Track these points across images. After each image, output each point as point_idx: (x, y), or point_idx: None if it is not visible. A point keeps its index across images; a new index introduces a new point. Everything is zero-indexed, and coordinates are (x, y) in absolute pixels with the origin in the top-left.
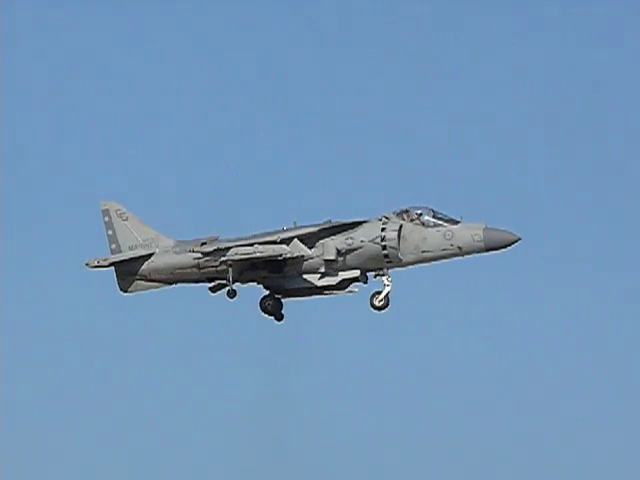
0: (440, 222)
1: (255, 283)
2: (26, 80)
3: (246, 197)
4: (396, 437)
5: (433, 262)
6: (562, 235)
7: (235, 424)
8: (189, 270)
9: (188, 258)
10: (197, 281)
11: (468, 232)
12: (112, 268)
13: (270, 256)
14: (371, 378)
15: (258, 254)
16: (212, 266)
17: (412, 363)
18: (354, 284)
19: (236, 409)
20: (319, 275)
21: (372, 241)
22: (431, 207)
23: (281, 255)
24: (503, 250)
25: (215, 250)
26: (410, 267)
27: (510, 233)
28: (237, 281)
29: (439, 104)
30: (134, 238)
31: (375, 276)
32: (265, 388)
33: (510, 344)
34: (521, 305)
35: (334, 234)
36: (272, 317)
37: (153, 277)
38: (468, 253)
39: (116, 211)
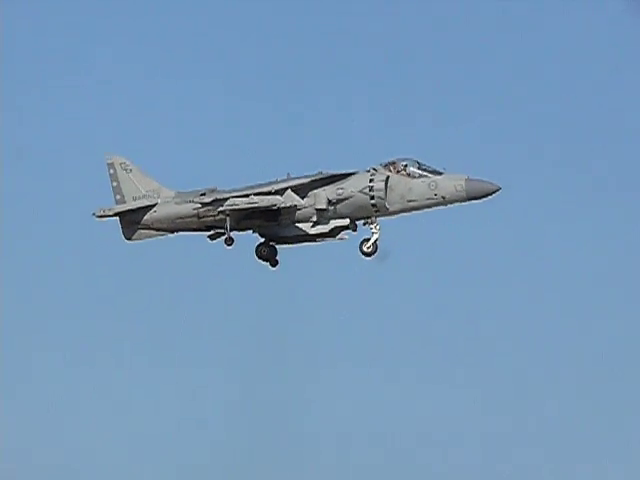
0: (425, 173)
1: (251, 231)
2: (31, 34)
3: (242, 149)
4: (384, 378)
5: (418, 211)
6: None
7: (234, 365)
8: (189, 219)
9: (188, 208)
10: (197, 230)
11: (451, 182)
12: (117, 218)
13: (265, 206)
14: (360, 319)
15: (254, 204)
16: (211, 215)
17: (397, 304)
18: (344, 232)
19: (235, 349)
20: (311, 223)
21: (361, 191)
22: (416, 159)
23: (275, 205)
24: (484, 199)
25: (213, 201)
26: (396, 215)
27: (490, 183)
28: (234, 229)
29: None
30: (137, 189)
31: (364, 224)
32: (261, 329)
33: (487, 285)
34: (499, 251)
35: (325, 185)
36: (267, 263)
37: (155, 226)
38: (451, 202)
39: (120, 164)
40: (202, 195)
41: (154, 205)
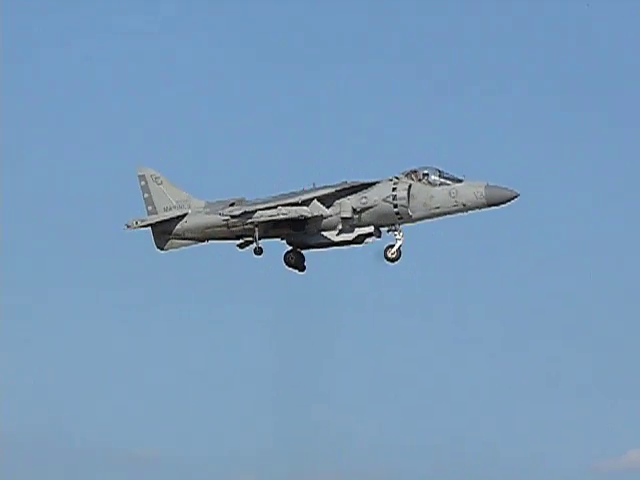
0: (445, 181)
1: (279, 239)
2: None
3: (269, 160)
4: (407, 371)
5: (440, 217)
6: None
7: (264, 365)
8: (218, 229)
9: (218, 218)
10: (226, 238)
11: (471, 189)
12: (149, 228)
13: (292, 217)
14: (385, 320)
15: (281, 216)
16: (240, 225)
17: (419, 306)
18: (368, 239)
19: (265, 350)
20: (337, 231)
21: (384, 200)
22: (437, 167)
23: (302, 215)
24: (503, 205)
25: (242, 213)
26: (419, 222)
27: (509, 190)
28: (262, 237)
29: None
30: (168, 200)
31: (388, 231)
32: (290, 330)
33: (507, 287)
34: (518, 255)
35: (350, 194)
36: (295, 269)
37: (186, 236)
38: (471, 209)
39: (151, 176)
40: (231, 205)
41: (185, 215)
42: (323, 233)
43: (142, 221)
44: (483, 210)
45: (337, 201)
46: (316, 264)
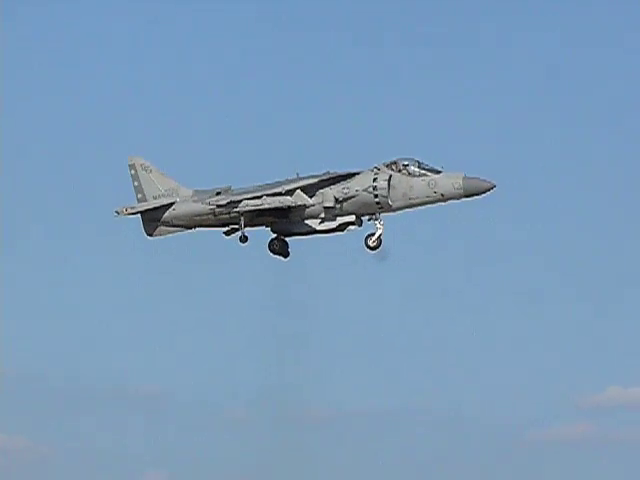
0: (424, 172)
1: (264, 227)
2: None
3: (255, 150)
4: (390, 356)
5: (419, 207)
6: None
7: (250, 347)
8: (206, 217)
9: (205, 207)
10: (213, 226)
11: (449, 180)
12: (138, 215)
13: (277, 207)
14: (366, 305)
15: (266, 205)
16: (226, 214)
17: (399, 293)
18: (350, 227)
19: (251, 333)
20: (319, 220)
21: (365, 190)
22: (416, 158)
23: (286, 205)
24: (480, 196)
25: (229, 203)
26: (399, 212)
27: (486, 181)
28: (248, 225)
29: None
30: (157, 189)
31: (369, 220)
32: (274, 314)
33: (482, 274)
34: (494, 243)
35: (332, 184)
36: (280, 256)
37: (174, 223)
38: (449, 199)
39: (141, 165)
40: (218, 194)
41: (173, 203)
42: (306, 222)
43: (132, 208)
44: (461, 200)
45: (320, 191)
46: (300, 251)
